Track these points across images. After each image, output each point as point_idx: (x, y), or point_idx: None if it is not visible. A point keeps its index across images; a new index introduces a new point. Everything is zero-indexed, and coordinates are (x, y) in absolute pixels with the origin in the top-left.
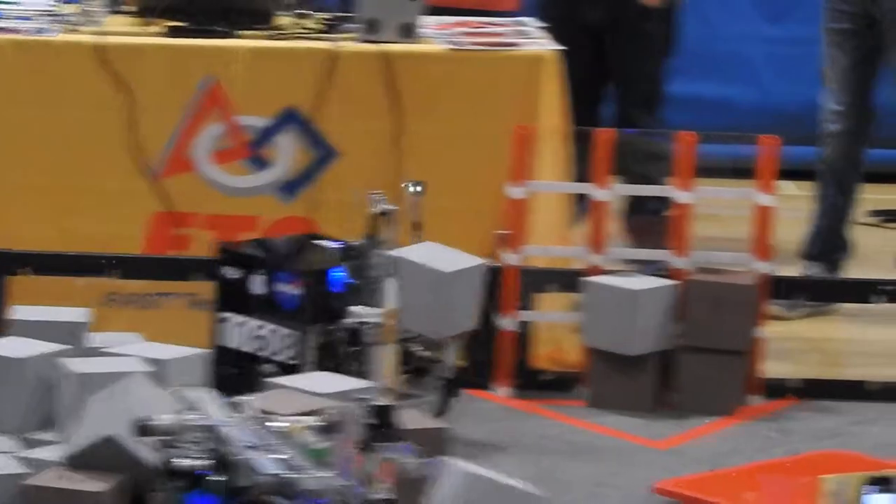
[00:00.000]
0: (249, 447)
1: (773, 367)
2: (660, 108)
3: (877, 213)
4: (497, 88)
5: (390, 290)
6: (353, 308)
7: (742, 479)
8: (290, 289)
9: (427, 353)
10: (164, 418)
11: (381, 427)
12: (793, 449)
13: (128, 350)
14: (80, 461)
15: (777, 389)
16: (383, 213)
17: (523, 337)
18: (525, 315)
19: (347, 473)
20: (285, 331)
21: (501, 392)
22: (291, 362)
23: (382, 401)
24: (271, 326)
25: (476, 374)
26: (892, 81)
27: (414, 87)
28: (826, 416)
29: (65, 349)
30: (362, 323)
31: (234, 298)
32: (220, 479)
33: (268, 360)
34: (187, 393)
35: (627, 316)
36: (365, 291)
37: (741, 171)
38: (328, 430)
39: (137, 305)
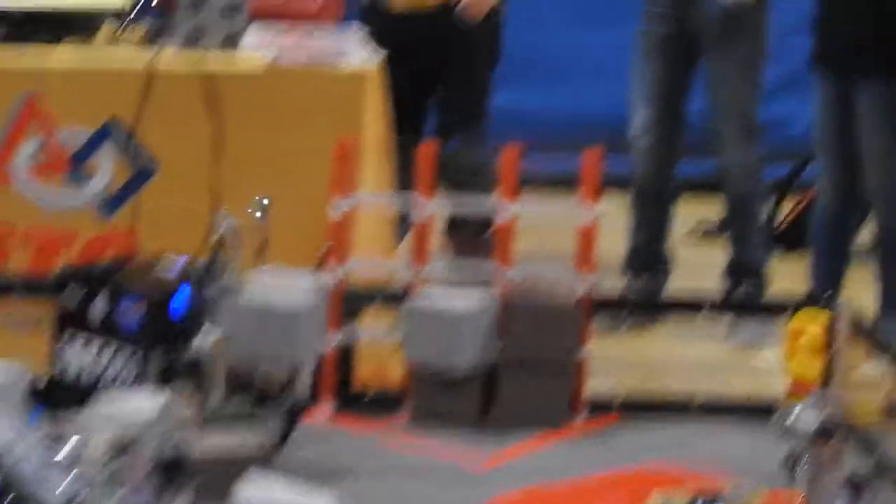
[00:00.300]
0: (38, 470)
1: (596, 384)
2: (484, 120)
3: (698, 225)
4: (319, 102)
5: (228, 319)
6: (193, 333)
7: (566, 496)
8: (132, 311)
9: (270, 380)
10: None
11: (173, 469)
12: (616, 465)
13: None
14: None
15: (601, 406)
16: (226, 234)
17: (346, 354)
18: (348, 332)
19: (139, 495)
20: (126, 354)
21: (322, 410)
22: (132, 386)
23: (176, 441)
24: (112, 349)
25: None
26: (705, 88)
27: (235, 100)
28: (650, 432)
29: None
30: (199, 350)
31: (74, 320)
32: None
33: (108, 384)
34: None
35: (449, 333)
36: (207, 314)
37: (566, 183)
38: (121, 451)
39: None
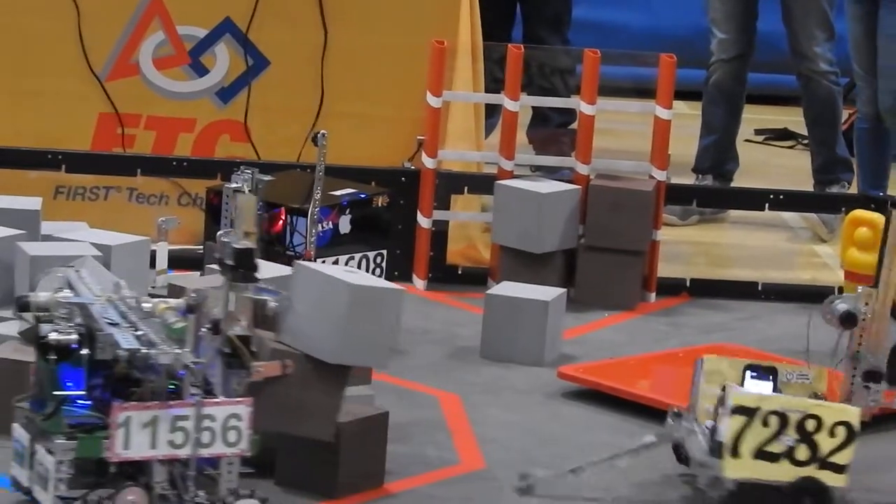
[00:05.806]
0: (112, 324)
1: (667, 268)
2: (566, 30)
3: (760, 131)
4: (418, 4)
5: None
6: None
7: (637, 367)
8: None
9: None
10: (41, 295)
11: (241, 269)
12: (684, 341)
13: (77, 236)
14: (31, 336)
15: (670, 288)
16: None
17: (439, 235)
18: (441, 215)
19: (201, 351)
20: None
21: (418, 284)
22: None
23: (243, 244)
24: None
25: (397, 267)
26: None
27: (339, 3)
28: (714, 313)
29: (20, 234)
30: None
31: None
32: (84, 352)
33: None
34: (68, 272)
35: (534, 217)
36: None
37: (638, 90)
38: (188, 310)
39: (83, 198)
